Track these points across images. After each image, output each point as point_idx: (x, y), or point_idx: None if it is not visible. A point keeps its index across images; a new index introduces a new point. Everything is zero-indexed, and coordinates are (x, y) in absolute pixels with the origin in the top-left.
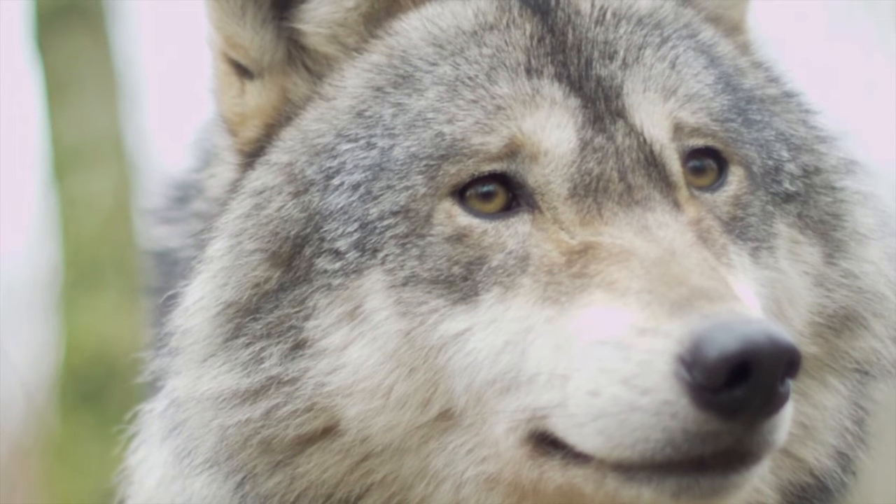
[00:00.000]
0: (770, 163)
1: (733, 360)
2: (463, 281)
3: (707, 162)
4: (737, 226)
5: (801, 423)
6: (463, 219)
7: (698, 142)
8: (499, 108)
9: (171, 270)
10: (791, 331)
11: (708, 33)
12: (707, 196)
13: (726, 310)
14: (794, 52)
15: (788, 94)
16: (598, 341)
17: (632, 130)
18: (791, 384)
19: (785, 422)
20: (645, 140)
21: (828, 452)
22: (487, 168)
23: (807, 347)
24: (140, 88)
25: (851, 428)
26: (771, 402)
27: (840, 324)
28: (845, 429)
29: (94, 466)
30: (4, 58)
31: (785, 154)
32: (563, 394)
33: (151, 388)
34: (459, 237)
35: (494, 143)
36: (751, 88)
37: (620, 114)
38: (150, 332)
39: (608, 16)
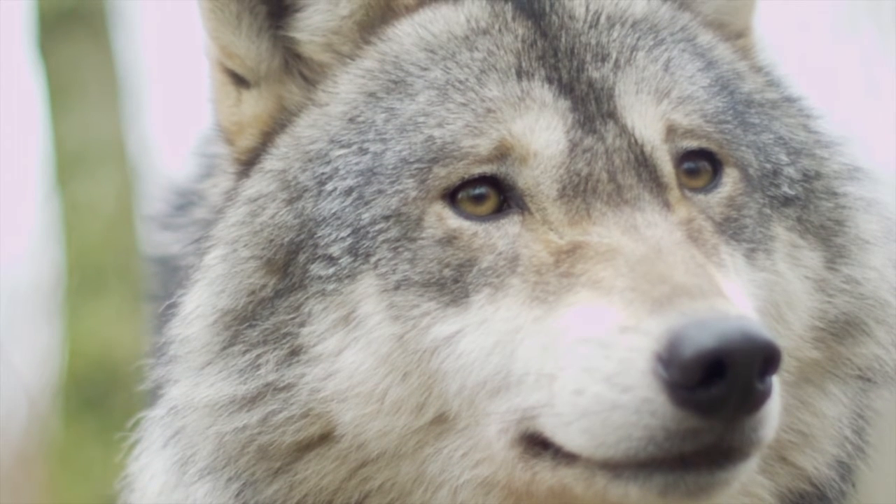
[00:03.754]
0: (768, 166)
1: (707, 357)
2: (454, 283)
3: (701, 164)
4: (730, 227)
5: (800, 431)
6: (453, 221)
7: (692, 143)
8: (488, 110)
9: (172, 277)
10: (791, 335)
11: (705, 37)
12: (700, 197)
13: (706, 307)
14: (797, 57)
15: (789, 99)
16: (581, 340)
17: (623, 131)
18: (775, 381)
19: (770, 418)
20: (636, 141)
21: (827, 461)
22: (477, 170)
23: (808, 353)
24: (142, 93)
25: (851, 437)
26: (749, 399)
27: (842, 330)
28: (845, 438)
29: (96, 472)
30: (7, 63)
31: (784, 158)
32: (551, 393)
33: (153, 396)
34: (450, 239)
35: (484, 145)
36: (749, 92)
37: (612, 115)
38: (152, 339)
39: (602, 19)
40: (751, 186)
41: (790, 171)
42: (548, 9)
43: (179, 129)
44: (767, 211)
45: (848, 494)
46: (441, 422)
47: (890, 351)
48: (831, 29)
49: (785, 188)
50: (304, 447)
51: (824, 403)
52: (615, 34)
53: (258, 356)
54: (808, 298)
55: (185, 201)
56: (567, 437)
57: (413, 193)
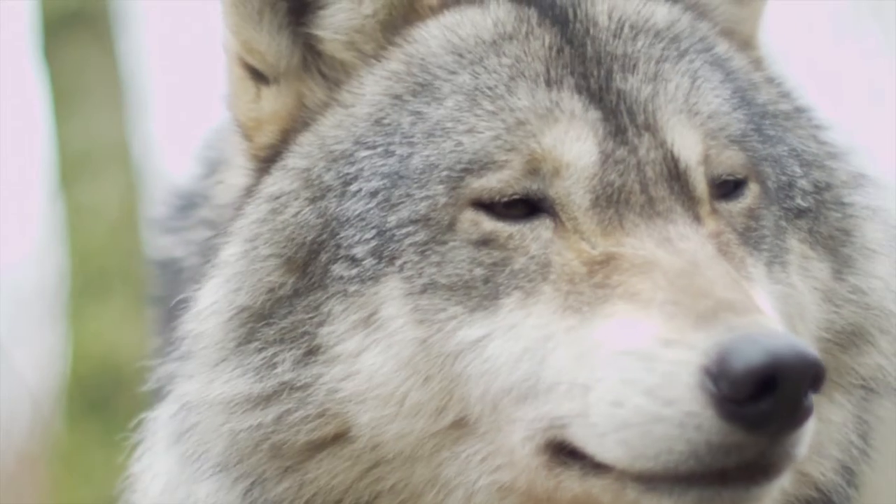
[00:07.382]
0: (783, 178)
1: (760, 372)
2: (484, 284)
3: (730, 183)
4: (752, 236)
5: None
6: (489, 224)
7: (727, 171)
8: (518, 122)
9: (175, 279)
10: None
11: (722, 47)
12: (724, 206)
13: (752, 322)
14: (801, 60)
15: (800, 110)
16: (621, 352)
17: (660, 145)
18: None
19: (808, 435)
20: (673, 156)
21: (833, 467)
22: (510, 191)
23: None
24: (146, 96)
25: (856, 442)
26: (796, 415)
27: (847, 340)
28: (850, 443)
29: (100, 474)
30: (11, 66)
31: (797, 170)
32: (584, 403)
33: (156, 396)
34: (486, 241)
35: (516, 161)
36: (764, 104)
37: (648, 128)
38: (156, 340)
39: (626, 29)
40: (768, 199)
41: (803, 182)
42: (571, 16)
43: (183, 131)
44: (783, 223)
45: (853, 498)
46: (461, 426)
47: (892, 361)
48: (835, 31)
49: (798, 200)
50: (318, 446)
51: (830, 410)
52: (640, 44)
53: (274, 355)
54: (816, 309)
55: (188, 203)
56: (601, 447)
57: (443, 199)
